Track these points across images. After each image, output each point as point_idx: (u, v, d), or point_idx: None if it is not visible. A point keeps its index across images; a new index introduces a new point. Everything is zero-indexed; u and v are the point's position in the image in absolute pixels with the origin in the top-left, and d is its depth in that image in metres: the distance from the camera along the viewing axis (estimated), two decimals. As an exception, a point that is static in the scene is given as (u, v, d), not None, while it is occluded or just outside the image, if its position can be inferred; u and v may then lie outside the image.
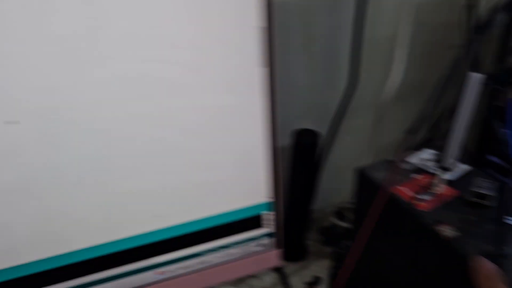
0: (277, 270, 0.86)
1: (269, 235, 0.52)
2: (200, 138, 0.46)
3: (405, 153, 0.70)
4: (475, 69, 0.58)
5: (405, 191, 0.61)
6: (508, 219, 0.55)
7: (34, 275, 0.45)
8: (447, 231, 0.53)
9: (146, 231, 0.47)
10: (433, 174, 0.63)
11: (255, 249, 0.53)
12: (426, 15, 0.85)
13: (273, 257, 0.54)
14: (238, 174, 0.49)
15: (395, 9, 0.75)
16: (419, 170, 0.65)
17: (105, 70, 0.40)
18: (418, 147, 0.77)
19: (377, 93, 0.75)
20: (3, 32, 0.37)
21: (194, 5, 0.41)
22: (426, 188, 0.60)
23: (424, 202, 0.58)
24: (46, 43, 0.38)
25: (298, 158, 0.79)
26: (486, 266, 0.47)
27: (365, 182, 0.65)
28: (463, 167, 0.65)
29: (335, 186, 0.96)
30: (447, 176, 0.63)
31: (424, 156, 0.68)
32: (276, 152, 0.48)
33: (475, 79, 0.56)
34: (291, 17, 0.75)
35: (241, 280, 0.84)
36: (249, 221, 0.51)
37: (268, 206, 0.51)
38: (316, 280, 0.84)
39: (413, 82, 0.91)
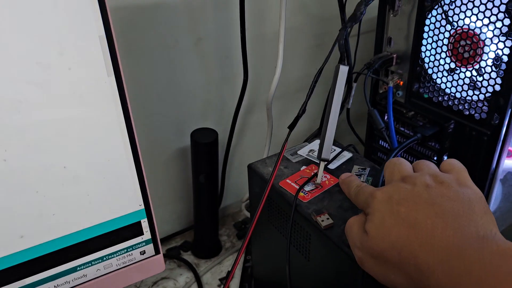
0: (191, 268, 0.86)
1: (147, 241, 0.52)
2: (55, 154, 0.44)
3: (299, 145, 0.72)
4: (344, 61, 0.60)
5: (291, 184, 0.62)
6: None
7: None
8: (324, 220, 0.55)
9: (11, 253, 0.46)
10: (317, 165, 0.65)
11: (136, 257, 0.53)
12: (312, 8, 0.88)
13: (156, 263, 0.54)
14: (103, 185, 0.48)
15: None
16: (307, 162, 0.67)
17: None
18: (310, 138, 0.79)
19: (268, 88, 0.76)
20: None
21: (29, 18, 0.39)
22: (310, 179, 0.62)
23: (307, 194, 0.60)
24: None
25: (198, 158, 0.79)
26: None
27: (255, 177, 0.66)
28: (346, 155, 0.68)
29: (245, 181, 0.97)
30: (331, 164, 0.65)
31: (313, 148, 0.70)
32: (138, 159, 0.48)
33: (343, 70, 0.58)
34: (176, 17, 0.74)
35: (156, 282, 0.84)
36: (124, 231, 0.51)
37: (143, 213, 0.51)
38: (229, 275, 0.85)
39: (304, 75, 0.94)
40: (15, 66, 0.40)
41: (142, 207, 0.51)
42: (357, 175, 0.61)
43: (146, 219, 0.51)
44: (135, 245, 0.52)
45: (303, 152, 0.70)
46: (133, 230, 0.51)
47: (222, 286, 0.84)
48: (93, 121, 0.45)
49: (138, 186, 0.50)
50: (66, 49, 0.42)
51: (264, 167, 0.67)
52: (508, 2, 0.54)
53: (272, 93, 0.75)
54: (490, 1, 0.56)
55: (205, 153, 0.79)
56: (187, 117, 0.84)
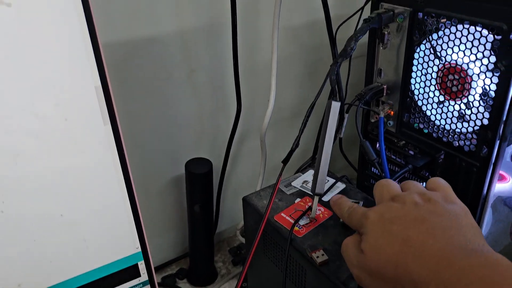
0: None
1: (144, 283, 0.53)
2: (52, 203, 0.45)
3: (292, 176, 0.73)
4: (336, 96, 0.61)
5: (285, 218, 0.63)
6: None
7: None
8: (319, 256, 0.56)
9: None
10: (311, 197, 0.66)
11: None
12: (303, 37, 0.89)
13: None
14: (100, 230, 0.48)
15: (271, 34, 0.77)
16: (301, 194, 0.68)
17: None
18: (304, 167, 0.80)
19: (262, 116, 0.77)
20: None
21: (26, 69, 0.40)
22: (304, 213, 0.63)
23: (302, 228, 0.61)
24: None
25: (193, 188, 0.80)
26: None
27: (250, 210, 0.67)
28: (339, 186, 0.69)
29: (239, 207, 0.98)
30: (323, 197, 0.66)
31: (307, 178, 0.71)
32: (134, 203, 0.49)
33: (334, 106, 0.60)
34: (169, 50, 0.75)
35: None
36: (122, 273, 0.51)
37: (140, 255, 0.51)
38: (225, 304, 0.85)
39: (297, 102, 0.95)
40: (12, 118, 0.41)
41: (139, 249, 0.51)
42: (350, 209, 0.62)
43: (143, 261, 0.52)
44: (132, 287, 0.52)
45: (297, 183, 0.70)
46: (131, 272, 0.51)
47: (218, 314, 0.84)
48: (90, 169, 0.45)
49: (135, 228, 0.50)
50: (62, 100, 0.42)
51: (259, 200, 0.67)
52: (493, 40, 0.56)
53: (266, 126, 0.76)
54: (476, 39, 0.57)
55: (199, 183, 0.79)
56: (182, 147, 0.84)
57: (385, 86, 0.73)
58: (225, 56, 0.81)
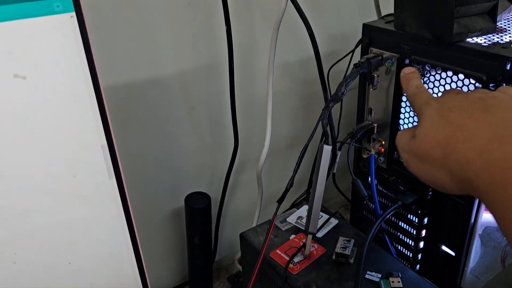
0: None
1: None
2: (61, 253, 0.48)
3: (287, 212, 0.76)
4: (327, 139, 0.65)
5: (281, 254, 0.66)
6: (368, 274, 0.62)
7: None
8: (313, 294, 0.59)
9: None
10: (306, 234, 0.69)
11: None
12: (298, 73, 0.93)
13: None
14: (105, 276, 0.52)
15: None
16: (296, 230, 0.71)
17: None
18: (298, 203, 0.83)
19: (258, 151, 0.80)
20: None
21: (39, 135, 0.43)
22: (298, 250, 0.66)
23: (296, 265, 0.64)
24: None
25: (192, 222, 0.83)
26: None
27: (247, 247, 0.70)
28: (333, 221, 0.72)
29: (237, 236, 1.01)
30: (317, 233, 0.69)
31: (302, 214, 0.75)
32: (138, 250, 0.52)
33: (326, 150, 0.63)
34: (170, 90, 0.79)
35: None
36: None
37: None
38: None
39: (292, 135, 0.99)
40: (27, 177, 0.44)
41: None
42: (342, 247, 0.65)
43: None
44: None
45: (292, 219, 0.74)
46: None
47: None
48: (96, 220, 0.48)
49: (138, 274, 0.53)
50: (72, 159, 0.46)
51: (256, 236, 0.70)
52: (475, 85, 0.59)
53: (262, 164, 0.79)
54: (459, 87, 0.61)
55: (199, 217, 0.82)
56: (182, 180, 0.88)
57: (375, 125, 0.76)
58: (223, 94, 0.84)
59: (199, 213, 0.82)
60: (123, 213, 0.50)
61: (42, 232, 0.47)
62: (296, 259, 0.65)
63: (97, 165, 0.47)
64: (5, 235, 0.45)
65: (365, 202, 0.84)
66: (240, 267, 1.01)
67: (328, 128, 0.66)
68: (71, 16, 0.42)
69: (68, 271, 0.49)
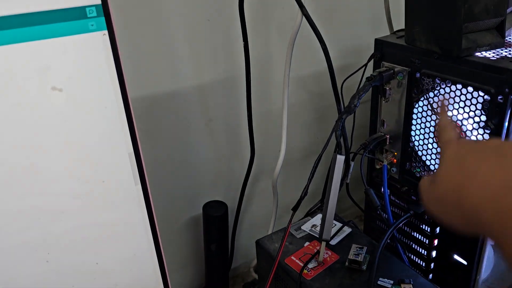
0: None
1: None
2: (89, 253, 0.51)
3: (302, 220, 0.79)
4: (340, 150, 0.67)
5: (295, 261, 0.68)
6: (381, 281, 0.64)
7: None
8: (326, 299, 0.61)
9: None
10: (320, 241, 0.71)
11: None
12: (312, 85, 0.96)
13: None
14: (130, 276, 0.55)
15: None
16: (310, 237, 0.73)
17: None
18: (312, 213, 0.86)
19: (274, 160, 0.83)
20: None
21: (71, 143, 0.47)
22: (313, 256, 0.68)
23: (310, 271, 0.66)
24: None
25: (209, 229, 0.86)
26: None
27: (263, 253, 0.72)
28: (346, 230, 0.74)
29: (253, 244, 1.03)
30: (330, 241, 0.71)
31: (316, 222, 0.77)
32: (160, 252, 0.55)
33: (339, 160, 0.65)
34: (189, 103, 0.83)
35: None
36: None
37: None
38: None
39: (306, 146, 1.01)
40: (60, 182, 0.48)
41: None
42: (355, 254, 0.67)
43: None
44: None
45: (306, 227, 0.76)
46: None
47: None
48: (122, 223, 0.52)
49: (160, 275, 0.56)
50: (101, 165, 0.49)
51: (271, 243, 0.73)
52: (483, 101, 0.61)
53: (277, 174, 0.82)
54: (468, 99, 0.63)
55: (216, 225, 0.85)
56: (200, 189, 0.91)
57: (387, 136, 0.79)
58: (240, 106, 0.88)
59: (216, 221, 0.84)
60: (147, 217, 0.53)
61: (72, 233, 0.50)
62: (310, 265, 0.67)
63: (124, 171, 0.51)
64: (39, 235, 0.48)
65: (378, 212, 0.86)
66: (255, 276, 1.03)
67: (341, 139, 0.69)
68: (104, 34, 0.46)
69: (96, 271, 0.53)
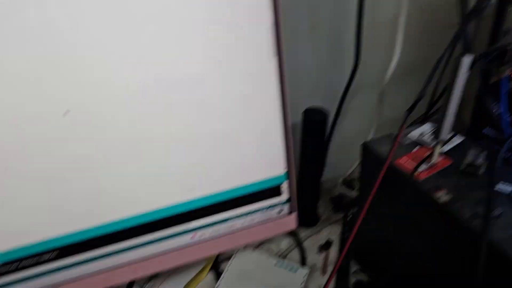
0: (292, 234, 0.94)
1: (285, 202, 0.60)
2: (223, 121, 0.54)
3: (407, 129, 0.77)
4: (467, 51, 0.64)
5: (405, 163, 0.68)
6: (497, 186, 0.62)
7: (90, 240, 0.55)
8: (443, 196, 0.60)
9: (183, 201, 0.55)
10: (431, 146, 0.70)
11: (275, 214, 0.61)
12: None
13: (290, 221, 0.61)
14: (258, 150, 0.57)
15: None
16: (419, 143, 0.72)
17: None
18: (419, 122, 0.84)
19: (379, 73, 0.81)
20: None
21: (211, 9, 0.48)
22: (424, 159, 0.67)
23: (422, 172, 0.65)
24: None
25: (308, 135, 0.87)
26: None
27: (369, 155, 0.72)
28: (458, 138, 0.72)
29: (343, 158, 1.04)
30: (443, 147, 0.70)
31: (424, 130, 0.75)
32: (287, 131, 0.56)
33: (466, 61, 0.62)
34: (298, 6, 0.81)
35: (260, 245, 0.92)
36: (269, 190, 0.59)
37: (284, 176, 0.59)
38: (328, 244, 0.93)
39: (414, 61, 0.97)
40: (205, 48, 0.49)
41: (287, 169, 0.59)
42: (472, 158, 0.65)
43: (287, 181, 0.59)
44: (275, 204, 0.60)
45: (414, 135, 0.75)
46: (274, 191, 0.59)
47: (320, 252, 0.92)
48: (257, 95, 0.53)
49: (285, 151, 0.58)
50: (241, 35, 0.50)
51: (378, 146, 0.72)
52: None
53: (389, 76, 0.80)
54: None
55: (315, 131, 0.86)
56: (299, 96, 0.91)
57: (510, 48, 0.74)
58: (346, 14, 0.85)
59: (316, 126, 0.85)
60: (280, 91, 0.54)
61: (213, 101, 0.52)
62: (421, 168, 0.66)
63: (263, 42, 0.51)
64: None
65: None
66: (343, 190, 1.04)
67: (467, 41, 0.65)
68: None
69: (228, 141, 0.55)
